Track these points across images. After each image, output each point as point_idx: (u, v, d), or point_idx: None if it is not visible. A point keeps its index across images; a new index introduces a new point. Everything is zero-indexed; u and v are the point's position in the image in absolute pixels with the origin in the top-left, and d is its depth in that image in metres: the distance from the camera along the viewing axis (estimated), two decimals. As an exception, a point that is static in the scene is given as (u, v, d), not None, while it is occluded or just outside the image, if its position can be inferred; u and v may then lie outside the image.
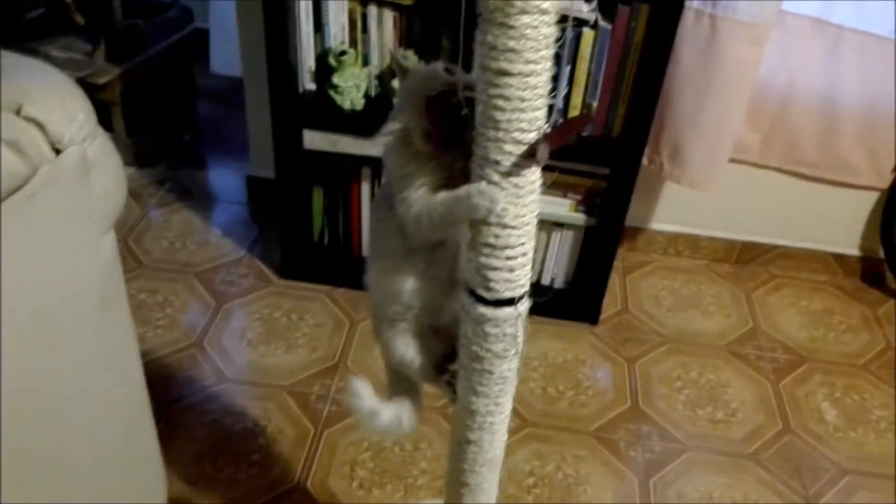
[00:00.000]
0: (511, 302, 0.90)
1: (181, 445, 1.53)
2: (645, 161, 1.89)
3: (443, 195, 0.86)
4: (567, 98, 1.63)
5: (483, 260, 0.86)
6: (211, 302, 1.86)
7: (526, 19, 0.73)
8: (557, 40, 0.77)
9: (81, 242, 0.89)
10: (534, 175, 0.84)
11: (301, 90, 1.71)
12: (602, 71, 1.58)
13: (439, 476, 1.53)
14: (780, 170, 1.99)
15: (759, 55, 1.70)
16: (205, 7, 2.53)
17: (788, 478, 1.61)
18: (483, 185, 0.83)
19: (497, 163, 0.81)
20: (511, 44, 0.74)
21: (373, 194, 1.85)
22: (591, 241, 1.84)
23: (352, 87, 1.64)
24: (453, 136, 0.86)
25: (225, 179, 2.33)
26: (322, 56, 1.65)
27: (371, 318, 1.04)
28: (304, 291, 1.93)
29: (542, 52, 0.76)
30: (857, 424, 1.74)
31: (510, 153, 0.80)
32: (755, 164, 1.99)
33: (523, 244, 0.87)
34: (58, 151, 0.82)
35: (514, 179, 0.82)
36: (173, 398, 1.62)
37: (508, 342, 0.93)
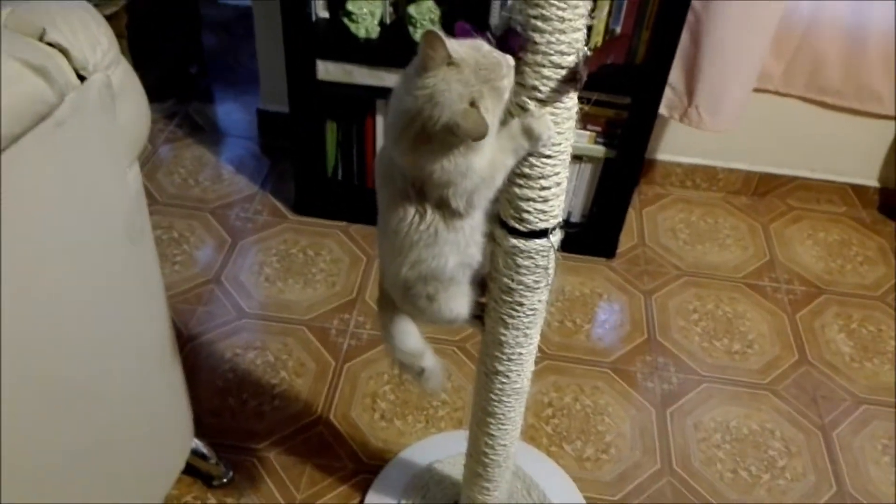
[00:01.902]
0: (544, 233, 0.89)
1: (205, 380, 1.54)
2: (676, 116, 1.85)
3: (497, 141, 0.79)
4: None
5: (517, 191, 0.85)
6: (227, 238, 1.85)
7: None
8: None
9: (108, 173, 0.88)
10: (571, 101, 0.81)
11: (314, 18, 1.66)
12: (626, -5, 1.53)
13: (459, 407, 1.55)
14: (802, 98, 1.95)
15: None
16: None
17: (804, 407, 1.63)
18: (536, 111, 0.79)
19: (535, 88, 0.78)
20: (553, -39, 0.71)
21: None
22: (609, 175, 1.81)
23: (366, 14, 1.60)
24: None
25: (235, 114, 2.30)
26: (335, -18, 1.60)
27: (396, 300, 0.99)
28: (320, 227, 1.92)
29: (585, -31, 0.73)
30: (873, 355, 1.75)
31: (548, 77, 0.78)
32: (776, 93, 1.95)
33: (558, 174, 0.85)
34: (82, 79, 0.80)
35: (551, 106, 0.79)
36: (195, 334, 1.63)
37: (540, 274, 0.93)
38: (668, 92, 1.81)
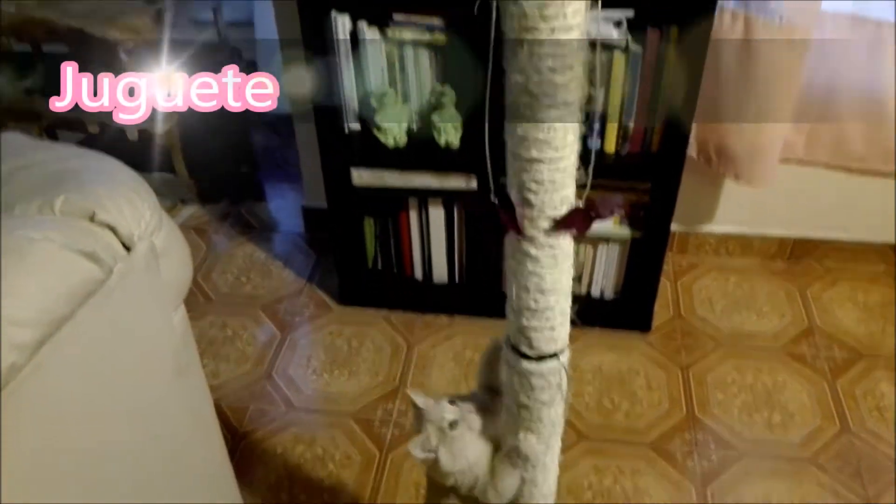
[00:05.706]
0: (553, 355, 0.95)
1: (257, 475, 1.63)
2: (693, 153, 1.90)
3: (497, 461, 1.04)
4: (603, 118, 1.66)
5: (525, 322, 0.92)
6: (276, 333, 1.96)
7: (553, 113, 0.77)
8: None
9: (155, 321, 0.98)
10: (568, 242, 0.88)
11: (347, 130, 1.78)
12: (636, 92, 1.60)
13: None
14: (827, 165, 1.98)
15: (800, 57, 1.69)
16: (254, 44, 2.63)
17: (848, 479, 1.62)
18: (521, 437, 1.01)
19: (532, 239, 0.86)
20: (540, 135, 0.79)
21: (420, 221, 1.91)
22: (637, 253, 1.86)
23: (394, 125, 1.71)
24: None
25: (283, 209, 2.44)
26: (364, 98, 1.72)
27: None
28: (363, 316, 2.01)
29: (570, 138, 0.80)
30: (920, 421, 1.74)
31: (544, 228, 0.85)
32: (801, 162, 1.97)
33: (561, 304, 0.92)
34: (128, 248, 0.91)
35: (550, 250, 0.86)
36: (248, 430, 1.73)
37: (553, 391, 0.99)
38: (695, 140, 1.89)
